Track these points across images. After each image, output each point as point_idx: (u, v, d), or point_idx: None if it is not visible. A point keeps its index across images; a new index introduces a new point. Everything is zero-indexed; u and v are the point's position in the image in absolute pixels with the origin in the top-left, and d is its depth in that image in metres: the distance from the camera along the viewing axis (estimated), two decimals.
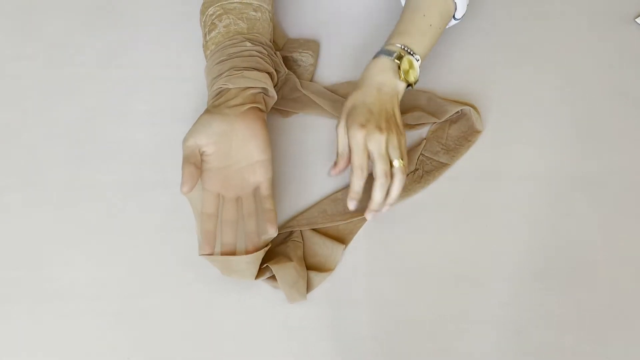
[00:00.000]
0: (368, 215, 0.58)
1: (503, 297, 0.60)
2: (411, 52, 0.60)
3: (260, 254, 0.56)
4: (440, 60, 0.71)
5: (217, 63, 0.59)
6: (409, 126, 0.66)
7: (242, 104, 0.57)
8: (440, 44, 0.72)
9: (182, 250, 0.60)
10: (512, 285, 0.60)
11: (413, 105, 0.68)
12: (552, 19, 0.74)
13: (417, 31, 0.61)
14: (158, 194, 0.63)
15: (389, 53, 0.59)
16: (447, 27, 0.66)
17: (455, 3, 0.64)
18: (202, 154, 0.56)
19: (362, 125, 0.55)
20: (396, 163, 0.56)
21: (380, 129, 0.56)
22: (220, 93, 0.58)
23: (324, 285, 0.59)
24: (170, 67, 0.69)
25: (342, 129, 0.58)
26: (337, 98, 0.67)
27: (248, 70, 0.59)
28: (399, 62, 0.59)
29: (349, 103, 0.58)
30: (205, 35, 0.62)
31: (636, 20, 0.74)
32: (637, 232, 0.63)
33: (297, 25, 0.73)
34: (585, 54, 0.72)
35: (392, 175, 0.56)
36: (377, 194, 0.56)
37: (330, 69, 0.70)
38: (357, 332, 0.58)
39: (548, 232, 0.63)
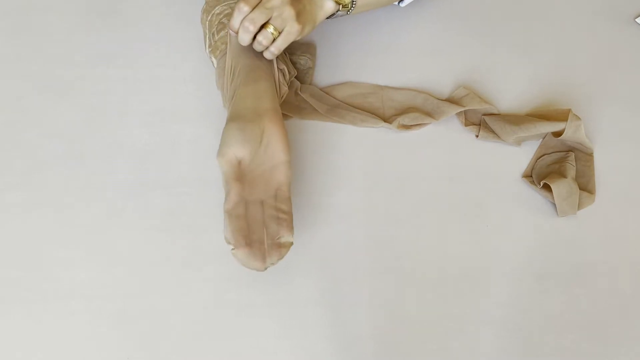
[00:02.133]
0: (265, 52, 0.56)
1: (503, 297, 0.60)
2: None
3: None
4: (440, 60, 0.71)
5: (222, 68, 0.59)
6: (405, 127, 0.66)
7: (265, 107, 0.56)
8: (439, 44, 0.72)
9: (182, 250, 0.60)
10: (512, 286, 0.60)
11: (409, 105, 0.68)
12: (552, 19, 0.74)
13: None
14: (158, 194, 0.63)
15: None
16: (403, 4, 0.67)
17: None
18: (239, 162, 0.54)
19: None
20: (271, 28, 0.54)
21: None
22: (234, 95, 0.57)
23: (324, 285, 0.59)
24: (170, 67, 0.69)
25: None
26: (336, 103, 0.67)
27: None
28: None
29: None
30: (213, 34, 0.62)
31: (636, 20, 0.74)
32: (637, 232, 0.63)
33: None
34: (585, 54, 0.72)
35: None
36: (234, 19, 0.53)
37: (328, 70, 0.70)
38: (357, 332, 0.58)
39: (548, 232, 0.63)
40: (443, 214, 0.63)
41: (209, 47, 0.63)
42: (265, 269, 0.52)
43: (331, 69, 0.70)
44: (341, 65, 0.70)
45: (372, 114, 0.67)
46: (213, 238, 0.61)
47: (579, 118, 0.63)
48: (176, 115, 0.67)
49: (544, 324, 0.59)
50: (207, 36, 0.64)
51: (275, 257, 0.52)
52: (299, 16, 0.54)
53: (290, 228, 0.54)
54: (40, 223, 0.61)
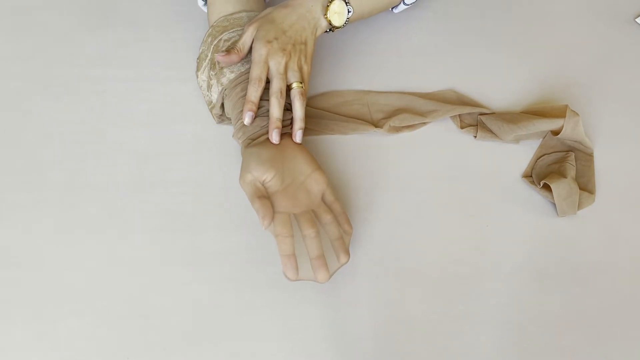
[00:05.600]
0: (272, 136, 0.58)
1: (503, 297, 0.60)
2: (347, 1, 0.61)
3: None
4: (439, 60, 0.71)
5: (241, 97, 0.60)
6: (396, 129, 0.66)
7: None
8: (439, 43, 0.72)
9: (182, 250, 0.60)
10: (512, 285, 0.60)
11: (397, 107, 0.67)
12: (552, 19, 0.74)
13: None
14: (158, 194, 0.63)
15: None
16: (397, 10, 0.69)
17: None
18: (263, 183, 0.57)
19: (268, 42, 0.57)
20: (294, 85, 0.59)
21: (283, 50, 0.58)
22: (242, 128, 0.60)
23: (324, 285, 0.59)
24: (170, 67, 0.69)
25: (250, 33, 0.59)
26: (321, 114, 0.67)
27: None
28: (330, 1, 0.60)
29: (267, 13, 0.60)
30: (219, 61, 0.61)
31: (636, 20, 0.74)
32: (637, 232, 0.63)
33: None
34: (585, 54, 0.72)
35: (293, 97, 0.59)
36: (274, 110, 0.58)
37: (312, 80, 0.69)
38: (357, 332, 0.58)
39: (548, 232, 0.63)
40: (443, 214, 0.63)
41: (213, 70, 0.62)
42: (333, 274, 0.56)
43: (315, 79, 0.69)
44: (324, 75, 0.70)
45: (361, 120, 0.67)
46: (213, 238, 0.61)
47: (577, 114, 0.63)
48: (176, 115, 0.67)
49: (543, 324, 0.59)
50: (209, 59, 0.63)
51: (343, 256, 0.56)
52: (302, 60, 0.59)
53: (348, 222, 0.58)
54: (40, 223, 0.61)
